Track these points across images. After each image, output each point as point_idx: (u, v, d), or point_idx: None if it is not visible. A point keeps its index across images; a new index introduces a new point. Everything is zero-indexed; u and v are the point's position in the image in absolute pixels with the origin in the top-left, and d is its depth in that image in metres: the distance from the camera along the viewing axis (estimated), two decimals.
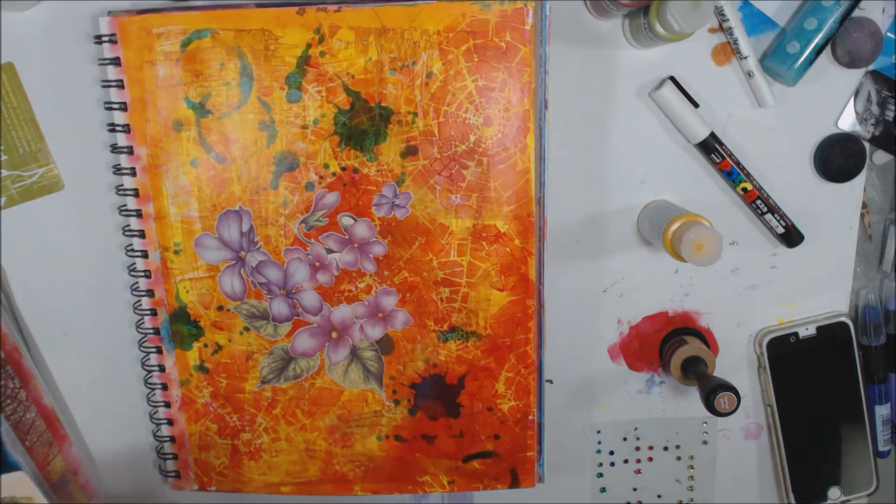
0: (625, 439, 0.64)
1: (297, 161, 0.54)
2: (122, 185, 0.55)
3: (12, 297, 0.58)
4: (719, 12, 0.55)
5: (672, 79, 0.56)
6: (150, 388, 0.59)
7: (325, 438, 0.59)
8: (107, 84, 0.53)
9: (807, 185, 0.59)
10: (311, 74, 0.53)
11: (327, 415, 0.59)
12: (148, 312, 0.57)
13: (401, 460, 0.60)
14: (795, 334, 0.61)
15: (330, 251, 0.56)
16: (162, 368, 0.58)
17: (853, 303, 0.63)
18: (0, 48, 0.54)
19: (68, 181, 0.57)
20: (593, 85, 0.57)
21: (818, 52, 0.55)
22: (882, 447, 0.63)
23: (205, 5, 0.53)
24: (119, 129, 0.54)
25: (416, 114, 0.53)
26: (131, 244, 0.56)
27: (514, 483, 0.60)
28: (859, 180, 0.59)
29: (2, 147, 0.55)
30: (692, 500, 0.66)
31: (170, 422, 0.59)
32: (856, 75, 0.57)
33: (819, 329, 0.61)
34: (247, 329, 0.57)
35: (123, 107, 0.53)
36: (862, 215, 0.60)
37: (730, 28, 0.55)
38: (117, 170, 0.55)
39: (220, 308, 0.56)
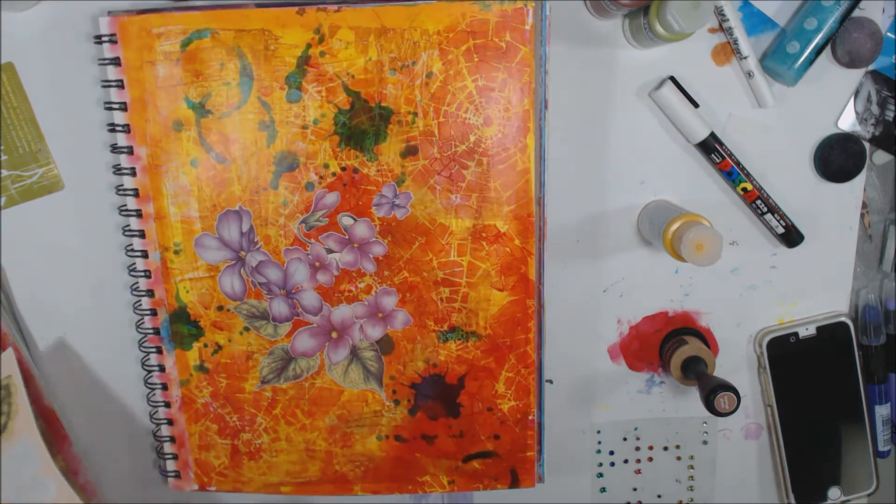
0: (625, 439, 0.64)
1: (297, 161, 0.54)
2: (122, 185, 0.55)
3: (12, 297, 0.58)
4: (719, 12, 0.55)
5: (672, 79, 0.56)
6: (150, 388, 0.59)
7: (325, 438, 0.59)
8: (107, 84, 0.53)
9: (807, 185, 0.59)
10: (311, 74, 0.53)
11: (327, 415, 0.59)
12: (148, 312, 0.57)
13: (401, 460, 0.60)
14: (795, 334, 0.61)
15: (330, 251, 0.56)
16: (162, 368, 0.58)
17: (853, 303, 0.63)
18: (0, 48, 0.54)
19: (68, 181, 0.57)
20: (593, 85, 0.57)
21: (818, 52, 0.55)
22: (882, 447, 0.63)
23: (205, 5, 0.53)
24: (119, 129, 0.54)
25: (416, 114, 0.53)
26: (131, 244, 0.56)
27: (514, 483, 0.60)
28: (859, 180, 0.59)
29: (2, 147, 0.56)
30: (692, 500, 0.66)
31: (170, 422, 0.59)
32: (856, 75, 0.57)
33: (819, 329, 0.61)
34: (247, 329, 0.57)
35: (123, 107, 0.53)
36: (862, 215, 0.60)
37: (730, 28, 0.55)
38: (117, 170, 0.55)
39: (220, 308, 0.56)
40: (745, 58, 0.56)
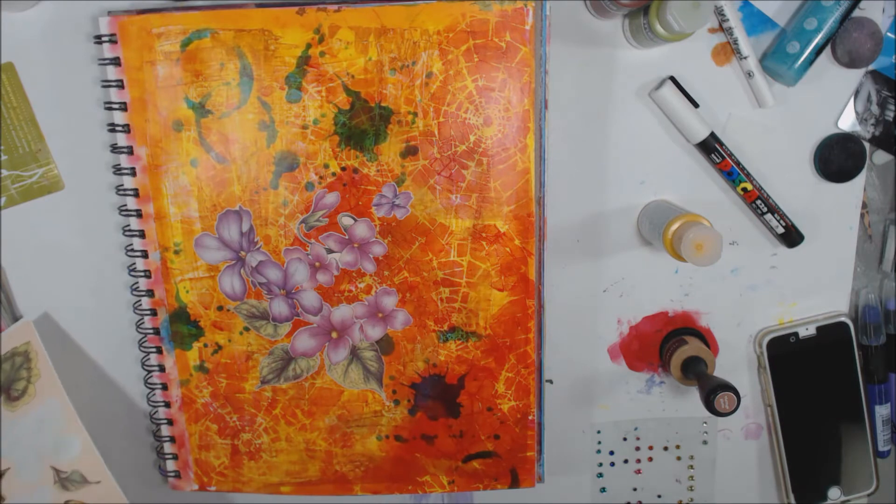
0: (625, 439, 0.64)
1: (297, 161, 0.54)
2: (122, 185, 0.55)
3: (12, 297, 0.58)
4: (719, 12, 0.55)
5: (672, 79, 0.56)
6: (150, 388, 0.59)
7: (325, 438, 0.59)
8: (107, 84, 0.53)
9: (807, 185, 0.59)
10: (311, 74, 0.53)
11: (327, 415, 0.59)
12: (148, 312, 0.57)
13: (401, 460, 0.60)
14: (795, 334, 0.61)
15: (330, 251, 0.56)
16: (162, 368, 0.58)
17: (853, 303, 0.63)
18: (0, 48, 0.54)
19: (68, 181, 0.57)
20: (593, 85, 0.57)
21: (818, 52, 0.55)
22: (882, 447, 0.63)
23: (205, 5, 0.53)
24: (119, 129, 0.54)
25: (416, 114, 0.53)
26: (131, 244, 0.56)
27: (514, 483, 0.60)
28: (859, 180, 0.59)
29: (2, 147, 0.55)
30: (692, 500, 0.66)
31: (170, 422, 0.59)
32: (856, 75, 0.57)
33: (819, 329, 0.61)
34: (247, 329, 0.57)
35: (123, 107, 0.53)
36: (862, 215, 0.60)
37: (730, 28, 0.55)
38: (117, 170, 0.55)
39: (220, 308, 0.56)
40: (745, 58, 0.56)
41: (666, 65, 0.56)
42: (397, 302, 0.56)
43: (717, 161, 0.57)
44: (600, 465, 0.65)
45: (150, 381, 0.58)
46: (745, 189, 0.57)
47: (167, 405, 0.59)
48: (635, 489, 0.65)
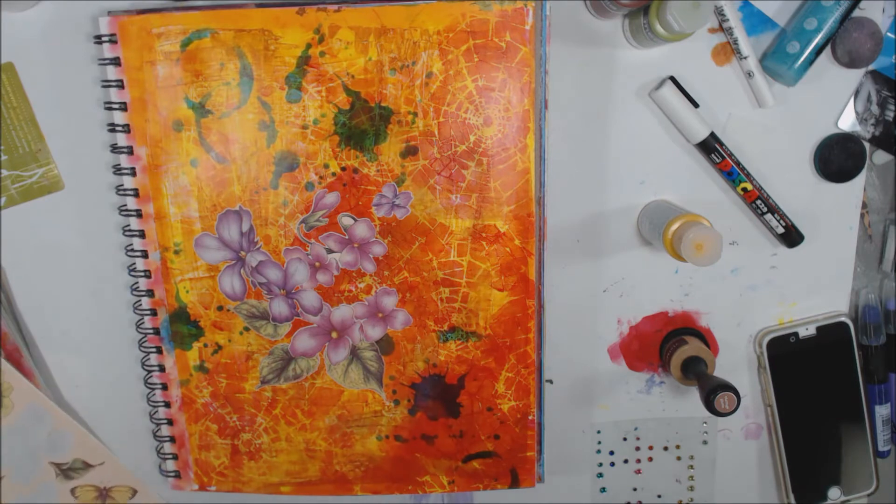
0: (625, 439, 0.64)
1: (297, 161, 0.54)
2: (122, 185, 0.55)
3: (12, 297, 0.58)
4: (719, 12, 0.55)
5: (672, 79, 0.56)
6: (150, 388, 0.59)
7: (325, 438, 0.59)
8: (107, 84, 0.53)
9: (807, 185, 0.59)
10: (311, 74, 0.53)
11: (327, 415, 0.59)
12: (148, 312, 0.57)
13: (401, 460, 0.60)
14: (795, 334, 0.61)
15: (330, 251, 0.56)
16: (162, 368, 0.58)
17: (853, 303, 0.63)
18: (0, 48, 0.54)
19: (68, 181, 0.57)
20: (593, 85, 0.57)
21: (818, 52, 0.55)
22: (882, 447, 0.63)
23: (205, 5, 0.53)
24: (119, 129, 0.54)
25: (416, 114, 0.53)
26: (131, 244, 0.56)
27: (514, 483, 0.60)
28: (859, 180, 0.59)
29: (2, 147, 0.55)
30: (692, 500, 0.66)
31: (170, 422, 0.59)
32: (856, 75, 0.57)
33: (819, 329, 0.61)
34: (247, 329, 0.57)
35: (123, 107, 0.53)
36: (862, 215, 0.60)
37: (730, 28, 0.55)
38: (117, 170, 0.55)
39: (220, 308, 0.56)
40: (745, 58, 0.56)
41: (666, 65, 0.56)
42: (397, 302, 0.56)
43: (717, 161, 0.57)
44: (600, 465, 0.65)
45: (150, 381, 0.58)
46: (745, 189, 0.57)
47: (167, 405, 0.59)
48: (635, 489, 0.65)
